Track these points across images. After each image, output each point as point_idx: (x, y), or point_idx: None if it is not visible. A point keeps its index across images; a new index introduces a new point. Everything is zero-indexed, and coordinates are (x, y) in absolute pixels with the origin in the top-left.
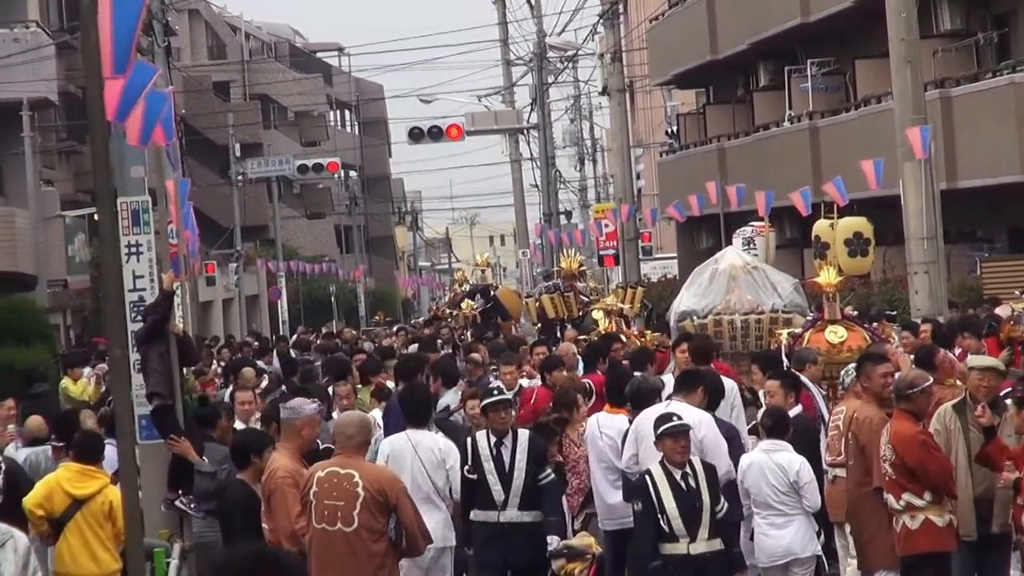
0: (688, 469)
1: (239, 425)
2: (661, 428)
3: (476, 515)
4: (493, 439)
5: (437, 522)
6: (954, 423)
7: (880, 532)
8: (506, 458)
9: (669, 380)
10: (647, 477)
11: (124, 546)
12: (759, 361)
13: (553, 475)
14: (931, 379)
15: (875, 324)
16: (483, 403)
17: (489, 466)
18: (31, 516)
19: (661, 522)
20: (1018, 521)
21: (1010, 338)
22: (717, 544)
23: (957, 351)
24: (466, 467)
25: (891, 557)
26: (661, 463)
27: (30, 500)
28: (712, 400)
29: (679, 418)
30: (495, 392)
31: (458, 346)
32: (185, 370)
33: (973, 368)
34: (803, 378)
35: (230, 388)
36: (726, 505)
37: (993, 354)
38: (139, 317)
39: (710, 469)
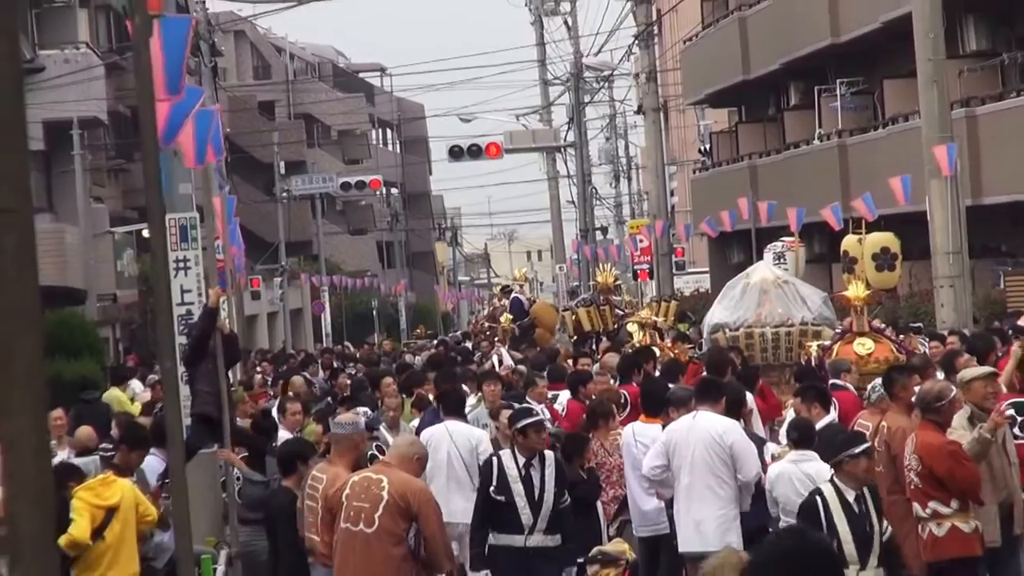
0: (861, 492)
1: (286, 434)
2: (844, 453)
3: (498, 539)
4: (521, 460)
5: (469, 500)
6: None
7: (908, 538)
8: (536, 481)
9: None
10: (818, 498)
11: (148, 530)
12: (802, 379)
13: (569, 500)
14: (955, 390)
15: (902, 336)
16: (522, 424)
17: (518, 488)
18: (91, 549)
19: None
20: None
21: None
22: (883, 573)
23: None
24: (491, 488)
25: (918, 563)
26: (832, 483)
27: (83, 534)
28: (733, 410)
29: (861, 440)
30: (535, 412)
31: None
32: (232, 383)
33: (975, 379)
34: (846, 383)
35: (278, 400)
36: (889, 528)
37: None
38: (185, 330)
39: (875, 492)
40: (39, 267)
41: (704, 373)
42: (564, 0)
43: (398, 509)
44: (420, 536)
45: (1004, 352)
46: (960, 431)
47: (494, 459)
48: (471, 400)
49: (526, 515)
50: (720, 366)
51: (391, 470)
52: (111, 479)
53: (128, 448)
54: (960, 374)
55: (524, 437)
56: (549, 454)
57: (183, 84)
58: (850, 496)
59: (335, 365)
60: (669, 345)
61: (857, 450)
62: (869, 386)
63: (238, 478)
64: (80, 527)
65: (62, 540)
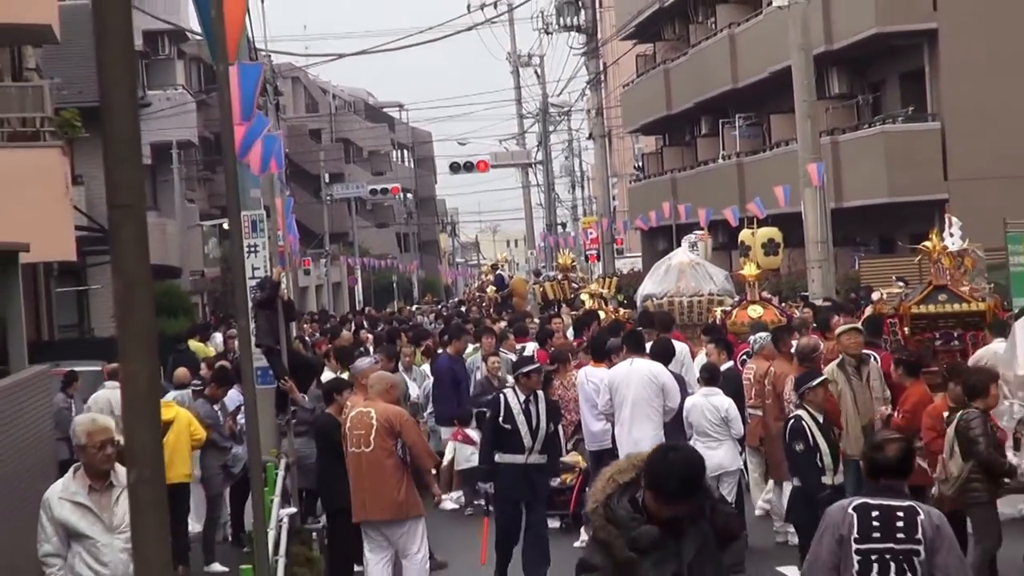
0: (822, 417)
1: (330, 374)
2: (805, 386)
3: (503, 458)
4: (522, 397)
5: None
6: (840, 376)
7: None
8: (534, 413)
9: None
10: (803, 423)
11: (200, 447)
12: (709, 333)
13: (554, 427)
14: (822, 344)
15: (783, 304)
16: (526, 370)
17: (521, 419)
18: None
19: (817, 459)
20: None
21: (880, 313)
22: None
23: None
24: (500, 418)
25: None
26: (806, 411)
27: None
28: (666, 357)
29: (818, 376)
30: (535, 361)
31: (485, 318)
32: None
33: (843, 333)
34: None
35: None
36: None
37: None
38: (254, 295)
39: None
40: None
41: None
42: (535, 55)
43: (385, 430)
44: (405, 447)
45: (856, 316)
46: (833, 371)
47: (501, 396)
48: (469, 348)
49: (527, 440)
50: (667, 325)
51: (375, 403)
52: (167, 403)
53: (216, 385)
54: (836, 331)
55: (527, 379)
56: (541, 392)
57: (254, 113)
58: (820, 419)
59: (363, 324)
60: (612, 309)
61: (815, 383)
62: (751, 339)
63: (293, 406)
64: None
65: None
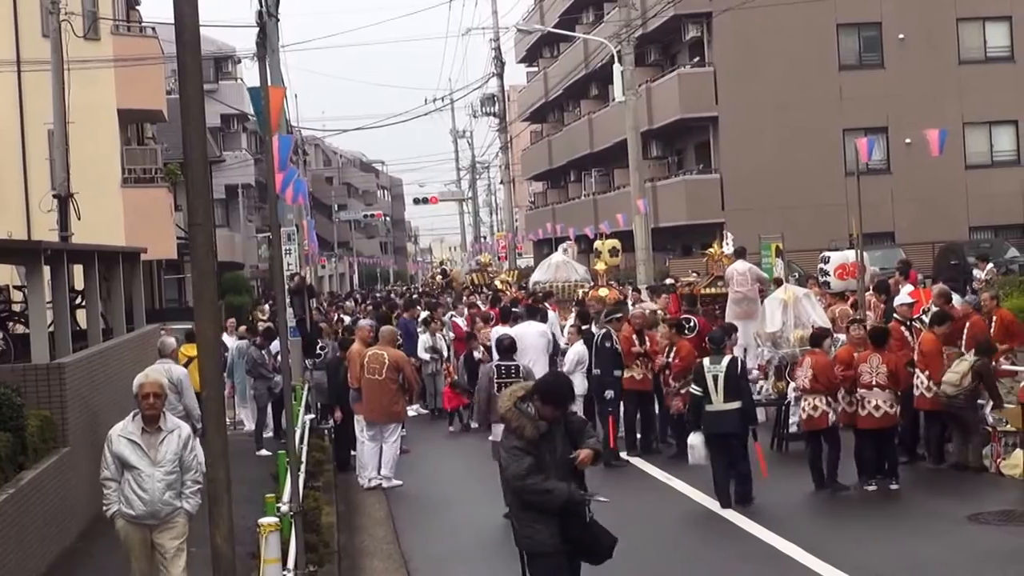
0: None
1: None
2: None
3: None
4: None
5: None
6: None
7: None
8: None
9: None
10: (703, 364)
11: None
12: (576, 305)
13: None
14: (623, 313)
15: (623, 287)
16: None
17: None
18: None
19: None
20: (667, 380)
21: (682, 294)
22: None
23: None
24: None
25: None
26: (709, 360)
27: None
28: (544, 319)
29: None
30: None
31: (435, 296)
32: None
33: (645, 310)
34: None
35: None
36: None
37: (674, 304)
38: (289, 281)
39: (737, 364)
40: (219, 252)
41: (530, 303)
42: (467, 131)
43: (393, 366)
44: (403, 377)
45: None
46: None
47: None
48: (424, 314)
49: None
50: (537, 300)
51: (386, 347)
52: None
53: (264, 338)
54: (639, 306)
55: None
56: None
57: (288, 166)
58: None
59: (356, 300)
60: (515, 291)
61: (730, 340)
62: (602, 314)
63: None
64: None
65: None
